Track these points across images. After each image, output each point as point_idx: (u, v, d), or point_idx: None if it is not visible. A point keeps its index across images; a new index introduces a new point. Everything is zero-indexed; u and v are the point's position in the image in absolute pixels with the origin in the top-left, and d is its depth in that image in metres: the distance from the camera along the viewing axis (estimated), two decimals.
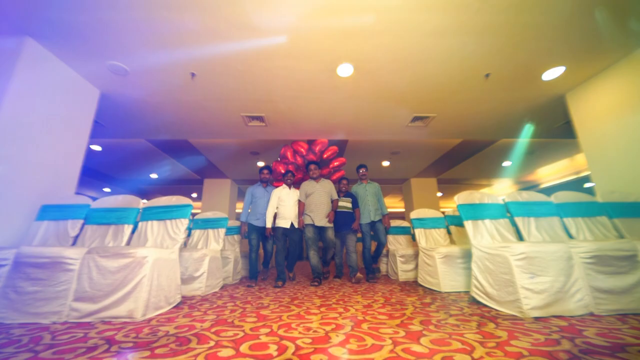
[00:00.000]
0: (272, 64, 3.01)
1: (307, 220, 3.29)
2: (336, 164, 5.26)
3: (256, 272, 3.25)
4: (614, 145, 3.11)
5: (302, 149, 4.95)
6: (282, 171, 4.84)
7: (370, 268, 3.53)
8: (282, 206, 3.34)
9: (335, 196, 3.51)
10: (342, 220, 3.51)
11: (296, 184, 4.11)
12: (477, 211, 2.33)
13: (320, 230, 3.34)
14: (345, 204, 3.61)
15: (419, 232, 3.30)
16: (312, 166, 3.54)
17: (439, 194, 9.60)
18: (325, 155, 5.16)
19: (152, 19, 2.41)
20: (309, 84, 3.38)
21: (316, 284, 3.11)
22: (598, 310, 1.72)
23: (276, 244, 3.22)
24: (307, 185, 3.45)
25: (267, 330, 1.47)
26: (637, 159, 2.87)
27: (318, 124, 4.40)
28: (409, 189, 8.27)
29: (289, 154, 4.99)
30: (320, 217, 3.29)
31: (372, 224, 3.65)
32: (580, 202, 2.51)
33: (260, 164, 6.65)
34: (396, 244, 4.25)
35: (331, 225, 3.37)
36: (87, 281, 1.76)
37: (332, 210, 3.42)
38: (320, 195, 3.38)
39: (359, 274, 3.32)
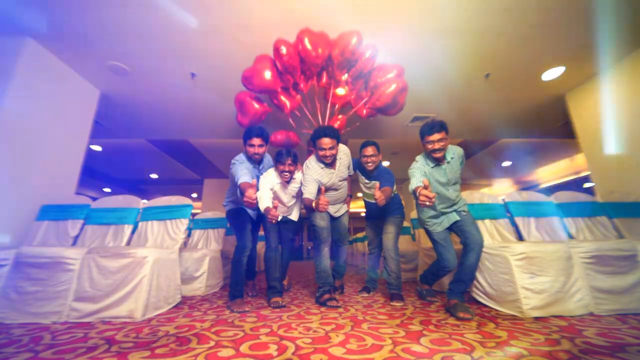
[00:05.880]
0: None
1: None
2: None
3: (242, 287, 2.17)
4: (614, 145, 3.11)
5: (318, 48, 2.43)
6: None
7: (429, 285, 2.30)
8: (275, 201, 2.16)
9: (352, 170, 2.39)
10: (376, 210, 2.36)
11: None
12: (477, 211, 2.33)
13: (332, 217, 2.37)
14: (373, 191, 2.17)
15: (419, 232, 3.30)
16: (326, 140, 2.05)
17: None
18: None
19: (152, 18, 2.41)
20: None
21: (327, 298, 2.05)
22: (598, 310, 1.72)
23: (266, 241, 2.25)
24: (317, 174, 2.14)
25: (267, 330, 1.47)
26: (637, 159, 2.88)
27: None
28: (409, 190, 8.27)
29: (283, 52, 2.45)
30: (337, 208, 2.38)
31: (453, 224, 1.97)
32: (580, 202, 2.51)
33: None
34: None
35: (346, 208, 2.46)
36: (87, 281, 1.76)
37: (349, 194, 2.47)
38: (341, 188, 2.30)
39: (396, 293, 2.17)
